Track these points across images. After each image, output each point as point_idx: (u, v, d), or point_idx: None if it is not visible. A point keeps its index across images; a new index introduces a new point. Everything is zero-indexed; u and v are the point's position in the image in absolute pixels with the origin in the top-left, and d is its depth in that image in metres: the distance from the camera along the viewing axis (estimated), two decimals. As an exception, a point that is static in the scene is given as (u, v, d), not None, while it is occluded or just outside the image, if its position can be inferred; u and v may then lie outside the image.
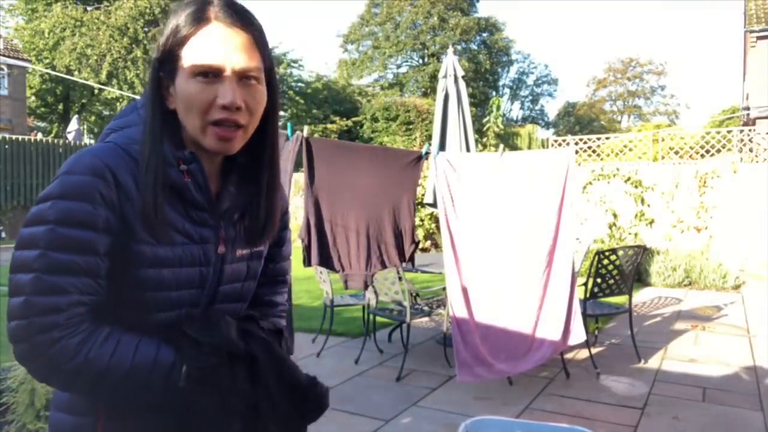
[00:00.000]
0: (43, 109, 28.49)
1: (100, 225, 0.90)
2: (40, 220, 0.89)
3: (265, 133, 1.05)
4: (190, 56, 0.95)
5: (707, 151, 12.25)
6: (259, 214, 1.07)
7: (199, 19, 0.95)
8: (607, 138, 14.17)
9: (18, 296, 0.87)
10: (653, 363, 4.68)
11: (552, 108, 58.34)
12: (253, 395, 0.96)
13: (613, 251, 4.59)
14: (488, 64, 36.45)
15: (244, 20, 0.97)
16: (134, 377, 0.91)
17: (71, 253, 0.88)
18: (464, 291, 3.89)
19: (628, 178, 9.61)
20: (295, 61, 32.40)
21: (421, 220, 10.97)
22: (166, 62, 0.98)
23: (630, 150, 13.59)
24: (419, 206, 9.88)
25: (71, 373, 0.88)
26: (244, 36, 0.96)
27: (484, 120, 15.89)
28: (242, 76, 0.96)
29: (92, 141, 21.73)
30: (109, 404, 0.98)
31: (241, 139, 1.00)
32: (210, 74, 0.94)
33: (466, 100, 5.49)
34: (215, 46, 0.94)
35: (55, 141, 16.25)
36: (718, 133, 12.49)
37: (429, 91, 32.72)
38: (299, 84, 32.32)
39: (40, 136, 18.21)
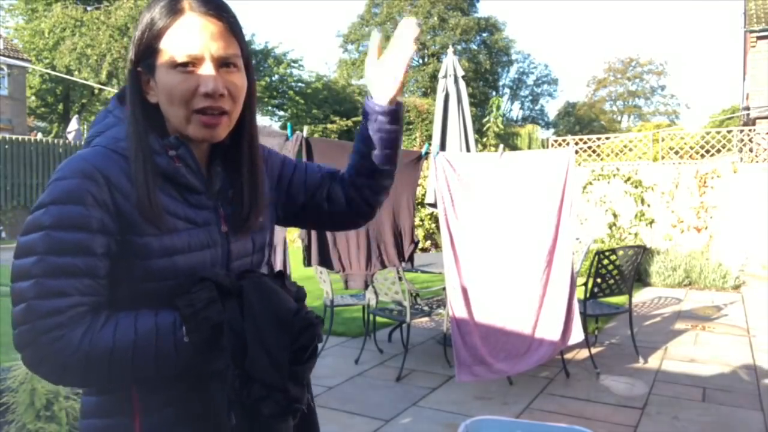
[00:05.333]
0: (43, 109, 28.48)
1: (95, 226, 0.91)
2: (35, 227, 0.89)
3: (243, 119, 1.06)
4: (169, 48, 0.96)
5: (707, 151, 12.25)
6: (243, 201, 1.07)
7: (174, 10, 0.97)
8: (607, 138, 14.17)
9: (20, 303, 0.88)
10: (653, 363, 4.68)
11: (552, 108, 58.46)
12: (242, 327, 0.94)
13: (613, 251, 4.59)
14: (488, 64, 36.44)
15: (218, 8, 0.99)
16: (142, 347, 0.90)
17: (69, 256, 0.89)
18: (464, 291, 3.89)
19: (628, 178, 9.61)
20: (295, 61, 32.38)
21: (421, 220, 10.97)
22: (145, 57, 0.99)
23: (630, 150, 13.59)
24: (419, 206, 9.88)
25: (82, 363, 0.88)
26: (220, 24, 0.98)
27: (484, 120, 15.89)
28: (222, 63, 0.98)
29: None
30: (137, 385, 0.97)
31: (226, 126, 1.02)
32: (190, 64, 0.96)
33: (466, 100, 5.49)
34: (193, 36, 0.96)
35: (55, 141, 16.24)
36: (718, 133, 12.49)
37: (429, 91, 32.71)
38: (299, 84, 32.29)
39: (40, 136, 18.19)
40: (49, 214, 0.89)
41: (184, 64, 0.96)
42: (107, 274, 0.93)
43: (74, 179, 0.91)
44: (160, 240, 0.95)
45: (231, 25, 0.99)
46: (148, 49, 0.98)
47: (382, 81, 1.15)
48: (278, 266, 3.86)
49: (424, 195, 8.10)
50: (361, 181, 1.23)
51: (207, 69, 0.96)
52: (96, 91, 26.42)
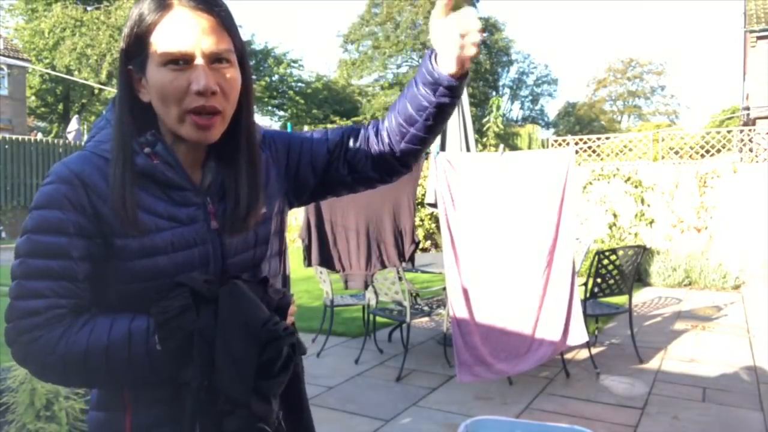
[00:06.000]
0: (43, 109, 28.52)
1: (71, 230, 0.92)
2: (22, 231, 0.93)
3: (239, 114, 1.02)
4: (158, 45, 0.93)
5: (707, 151, 12.24)
6: (240, 200, 1.02)
7: (163, 5, 0.93)
8: (607, 138, 14.16)
9: (9, 302, 0.92)
10: (653, 363, 4.68)
11: (552, 108, 58.43)
12: (215, 337, 0.90)
13: (613, 251, 4.59)
14: (488, 64, 36.47)
15: (208, 2, 0.95)
16: (115, 351, 0.90)
17: (46, 259, 0.91)
18: (464, 291, 3.89)
19: (628, 178, 9.61)
20: (295, 61, 32.44)
21: (421, 220, 10.97)
22: (135, 54, 0.96)
23: (630, 150, 13.58)
24: (419, 206, 9.88)
25: (59, 364, 0.90)
26: (211, 18, 0.94)
27: (484, 120, 15.87)
28: (214, 59, 0.94)
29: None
30: (110, 388, 0.99)
31: (220, 126, 0.98)
32: (181, 61, 0.92)
33: (466, 100, 5.49)
34: (182, 31, 0.92)
35: (55, 141, 16.24)
36: (718, 133, 12.49)
37: (429, 91, 32.67)
38: (299, 84, 32.35)
39: (40, 136, 18.21)
40: (32, 218, 0.92)
41: (175, 62, 0.92)
42: (87, 277, 0.94)
43: (54, 184, 0.93)
44: (140, 241, 0.94)
45: (222, 19, 0.95)
46: (137, 46, 0.95)
47: (450, 39, 1.04)
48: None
49: (424, 195, 8.09)
50: (403, 147, 1.14)
51: (198, 66, 0.92)
52: (96, 91, 26.44)
